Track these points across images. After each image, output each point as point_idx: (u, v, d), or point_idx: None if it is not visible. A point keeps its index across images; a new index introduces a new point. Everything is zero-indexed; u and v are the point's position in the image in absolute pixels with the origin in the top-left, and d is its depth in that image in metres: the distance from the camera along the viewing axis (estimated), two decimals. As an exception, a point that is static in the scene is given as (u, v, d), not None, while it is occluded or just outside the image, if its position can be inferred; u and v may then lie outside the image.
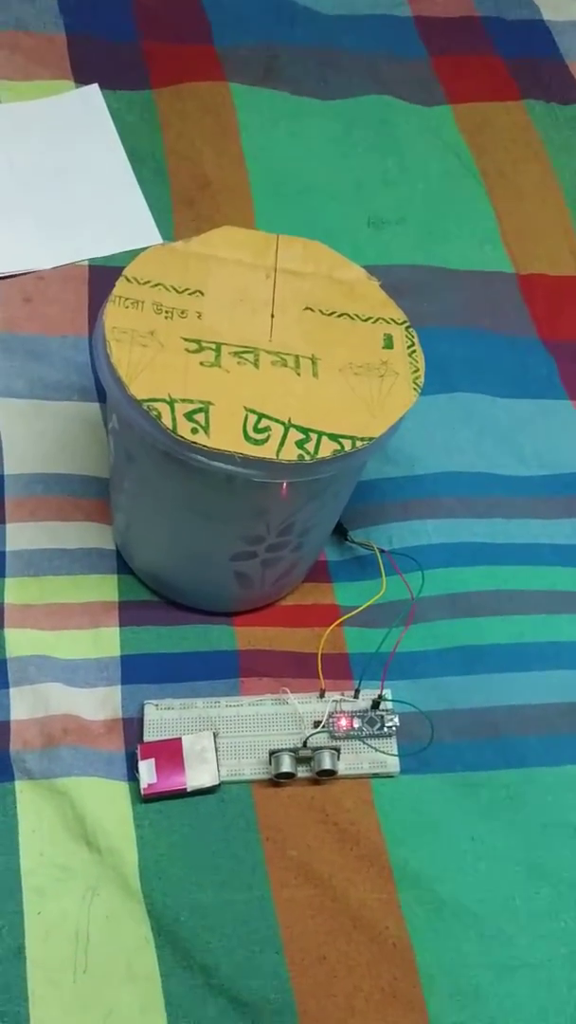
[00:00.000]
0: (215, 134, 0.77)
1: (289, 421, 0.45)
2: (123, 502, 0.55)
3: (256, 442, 0.44)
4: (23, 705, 0.53)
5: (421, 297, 0.71)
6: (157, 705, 0.54)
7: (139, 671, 0.55)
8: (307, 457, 0.44)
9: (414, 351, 0.49)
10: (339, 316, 0.50)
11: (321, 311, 0.50)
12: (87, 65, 0.80)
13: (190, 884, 0.50)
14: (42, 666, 0.55)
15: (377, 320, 0.50)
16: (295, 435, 0.44)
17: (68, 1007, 0.47)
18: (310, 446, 0.44)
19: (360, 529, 0.61)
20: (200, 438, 0.43)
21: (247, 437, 0.44)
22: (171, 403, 0.44)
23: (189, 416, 0.44)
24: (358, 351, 0.48)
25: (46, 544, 0.59)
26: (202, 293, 0.49)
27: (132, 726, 0.54)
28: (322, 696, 0.55)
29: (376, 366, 0.48)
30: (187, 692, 0.55)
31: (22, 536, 0.59)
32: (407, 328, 0.50)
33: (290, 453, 0.44)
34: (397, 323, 0.50)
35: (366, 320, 0.50)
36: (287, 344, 0.48)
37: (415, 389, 0.48)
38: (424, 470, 0.64)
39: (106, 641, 0.56)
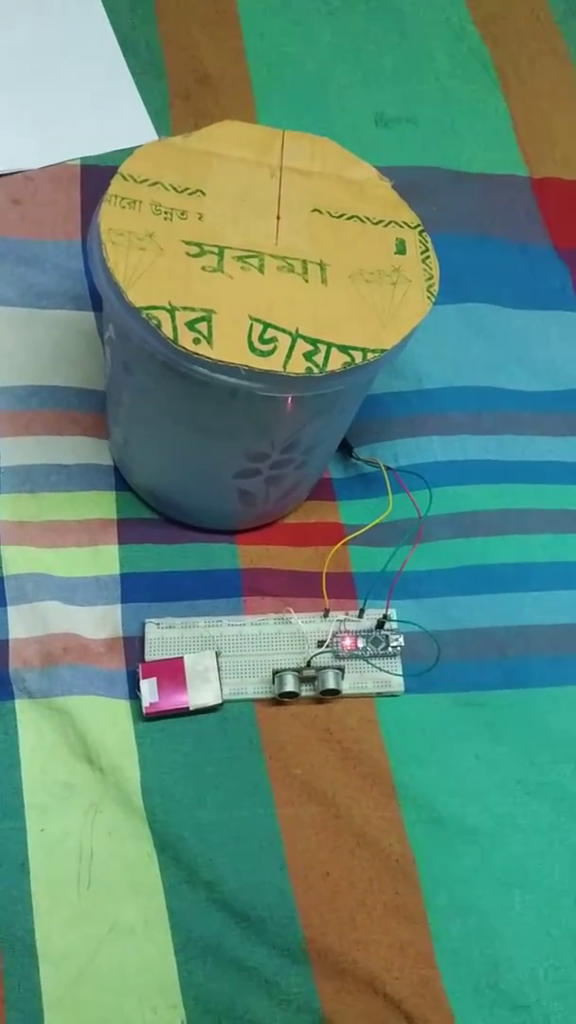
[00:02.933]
0: (213, 22, 0.73)
1: (297, 331, 0.42)
2: (121, 416, 0.53)
3: (262, 353, 0.41)
4: (21, 623, 0.52)
5: (430, 200, 0.68)
6: (158, 624, 0.53)
7: (139, 589, 0.54)
8: (316, 370, 0.42)
9: (428, 257, 0.47)
10: (349, 219, 0.47)
11: (330, 213, 0.47)
12: (75, -56, 0.74)
13: (192, 802, 0.49)
14: (40, 583, 0.53)
15: (389, 223, 0.47)
16: (303, 346, 0.42)
17: (72, 921, 0.47)
18: (319, 358, 0.42)
19: (365, 446, 0.59)
20: (203, 349, 0.41)
21: (252, 348, 0.41)
22: (171, 311, 0.41)
23: (191, 325, 0.41)
24: (369, 256, 0.46)
25: (42, 459, 0.57)
26: (203, 193, 0.46)
27: (133, 645, 0.53)
28: (326, 616, 0.54)
29: (388, 273, 0.46)
30: (188, 611, 0.54)
31: (17, 451, 0.57)
32: (420, 232, 0.48)
33: (298, 366, 0.41)
34: (410, 227, 0.48)
35: (377, 223, 0.47)
36: (294, 248, 0.45)
37: (429, 298, 0.45)
38: (432, 384, 0.62)
39: (105, 559, 0.55)
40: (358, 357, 0.42)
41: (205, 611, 0.54)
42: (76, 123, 0.68)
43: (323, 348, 0.42)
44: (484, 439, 0.60)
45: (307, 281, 0.44)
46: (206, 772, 0.50)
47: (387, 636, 0.53)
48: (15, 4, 0.72)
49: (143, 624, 0.53)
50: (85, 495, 0.56)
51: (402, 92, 0.73)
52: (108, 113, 0.68)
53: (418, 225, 0.48)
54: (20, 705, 0.51)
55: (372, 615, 0.54)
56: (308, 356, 0.42)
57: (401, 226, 0.48)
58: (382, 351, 0.43)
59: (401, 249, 0.47)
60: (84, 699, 0.51)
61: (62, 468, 0.57)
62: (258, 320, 0.42)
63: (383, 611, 0.54)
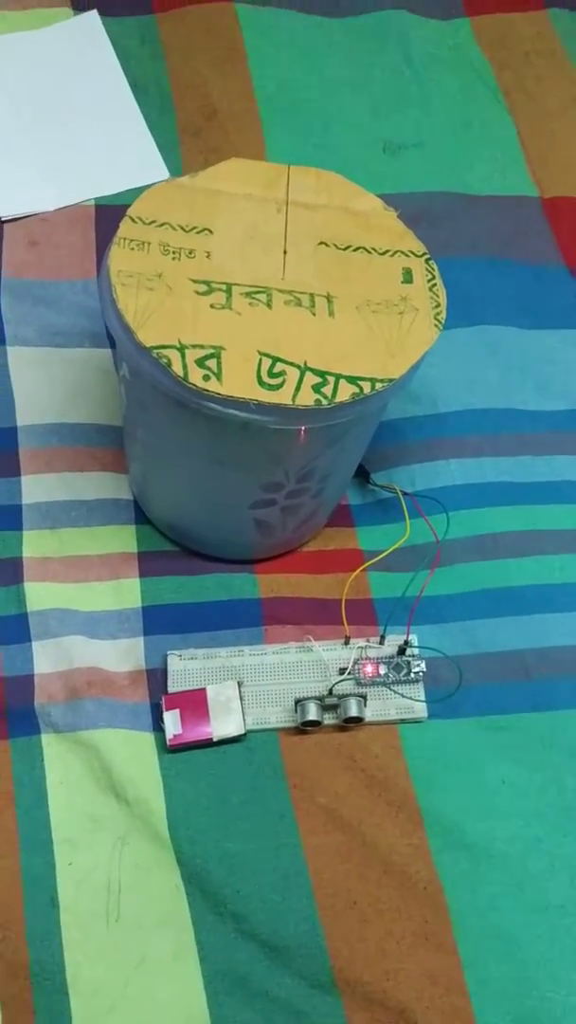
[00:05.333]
0: (221, 59, 0.74)
1: (305, 364, 0.43)
2: (138, 451, 0.53)
3: (271, 387, 0.42)
4: (46, 659, 0.53)
5: (441, 225, 0.69)
6: (180, 655, 0.53)
7: (161, 622, 0.55)
8: (325, 402, 0.42)
9: (435, 285, 0.47)
10: (355, 250, 0.48)
11: (336, 245, 0.48)
12: (85, -10, 0.76)
13: (218, 832, 0.50)
14: (63, 619, 0.54)
15: (395, 253, 0.48)
16: (312, 379, 0.43)
17: (102, 954, 0.47)
18: (327, 390, 0.42)
19: (382, 471, 0.60)
20: (212, 385, 0.41)
21: (261, 382, 0.42)
22: (181, 349, 0.42)
23: (200, 363, 0.42)
24: (376, 287, 0.46)
25: (63, 496, 0.58)
26: (210, 231, 0.47)
27: (156, 677, 0.53)
28: (347, 643, 0.54)
29: (395, 302, 0.46)
30: (210, 642, 0.54)
31: (39, 488, 0.58)
32: (427, 261, 0.48)
33: (307, 398, 0.42)
34: (416, 255, 0.48)
35: (384, 253, 0.48)
36: (301, 282, 0.46)
37: (436, 326, 0.46)
38: (447, 408, 0.62)
39: (127, 592, 0.55)
40: (366, 387, 0.43)
41: (227, 641, 0.54)
42: (89, 164, 0.69)
43: (332, 380, 0.43)
44: (501, 460, 0.60)
45: (314, 314, 0.45)
46: (231, 803, 0.50)
47: (409, 662, 0.53)
48: (28, 48, 0.73)
49: (165, 656, 0.53)
50: (106, 530, 0.57)
51: (409, 119, 0.74)
52: (120, 153, 0.70)
53: (424, 254, 0.48)
54: (46, 739, 0.51)
55: (393, 641, 0.54)
56: (317, 388, 0.42)
57: (407, 255, 0.48)
58: (390, 380, 0.43)
59: (408, 278, 0.47)
60: (109, 732, 0.51)
61: (83, 504, 0.58)
62: (267, 355, 0.43)
63: (404, 637, 0.54)
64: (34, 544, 0.56)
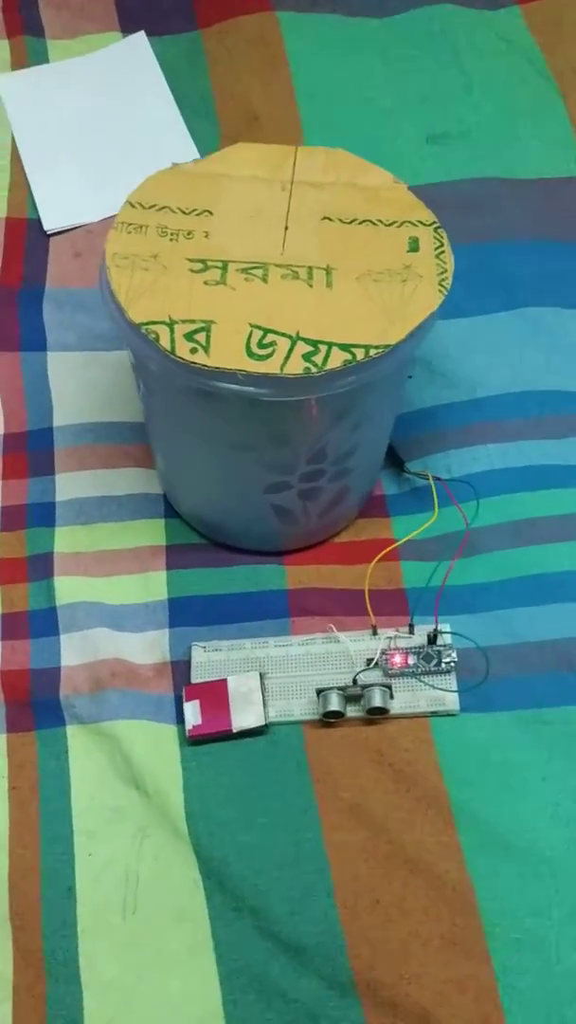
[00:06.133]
0: (263, 67, 0.75)
1: (297, 334, 0.42)
2: (157, 442, 0.54)
3: (259, 358, 0.41)
4: (72, 651, 0.53)
5: (485, 211, 0.67)
6: (204, 647, 0.53)
7: (187, 614, 0.54)
8: (314, 369, 0.41)
9: (442, 252, 0.46)
10: (360, 223, 0.47)
11: (340, 220, 0.47)
12: (134, 14, 0.78)
13: (237, 826, 0.48)
14: (91, 611, 0.54)
15: (403, 224, 0.47)
16: (303, 348, 0.42)
17: (118, 946, 0.46)
18: (318, 358, 0.41)
19: (418, 459, 0.58)
20: (199, 357, 0.41)
21: (250, 353, 0.41)
22: (171, 325, 0.42)
23: (189, 336, 0.42)
24: (379, 257, 0.45)
25: (95, 492, 0.58)
26: (211, 212, 0.47)
27: (181, 669, 0.53)
28: (375, 633, 0.52)
29: (398, 271, 0.45)
30: (236, 634, 0.53)
31: (72, 485, 0.59)
32: (436, 229, 0.46)
33: (296, 366, 0.41)
34: (425, 224, 0.47)
35: (390, 224, 0.47)
36: (300, 256, 0.45)
37: (441, 291, 0.44)
38: (486, 392, 0.59)
39: (154, 585, 0.55)
40: (360, 354, 0.41)
41: (253, 633, 0.53)
42: (133, 175, 0.70)
43: (324, 348, 0.42)
44: (544, 443, 0.57)
45: (311, 286, 0.44)
46: (252, 796, 0.49)
47: (439, 651, 0.51)
48: (79, 72, 0.76)
49: (190, 647, 0.53)
50: (136, 524, 0.57)
51: (454, 110, 0.72)
52: (163, 163, 0.71)
53: (434, 223, 0.47)
54: (71, 731, 0.51)
55: (423, 631, 0.52)
56: (307, 357, 0.41)
57: (416, 225, 0.47)
58: (386, 347, 0.42)
59: (414, 247, 0.46)
60: (131, 723, 0.51)
61: (114, 499, 0.58)
62: (257, 327, 0.42)
63: (433, 626, 0.51)
64: (66, 539, 0.57)
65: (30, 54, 0.78)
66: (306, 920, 0.46)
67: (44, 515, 0.58)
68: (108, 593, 0.55)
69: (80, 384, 0.62)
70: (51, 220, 0.69)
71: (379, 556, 0.53)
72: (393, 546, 0.54)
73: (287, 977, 0.44)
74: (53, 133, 0.73)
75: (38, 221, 0.69)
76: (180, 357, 0.41)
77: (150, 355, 0.42)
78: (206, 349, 0.41)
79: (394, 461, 0.58)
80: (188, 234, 0.46)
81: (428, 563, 0.54)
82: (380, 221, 0.47)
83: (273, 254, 0.45)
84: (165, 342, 0.41)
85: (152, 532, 0.57)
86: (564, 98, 0.72)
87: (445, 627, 0.52)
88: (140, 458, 0.59)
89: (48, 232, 0.68)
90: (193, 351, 0.41)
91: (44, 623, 0.54)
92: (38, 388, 0.62)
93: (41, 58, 0.77)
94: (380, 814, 0.48)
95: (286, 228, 0.46)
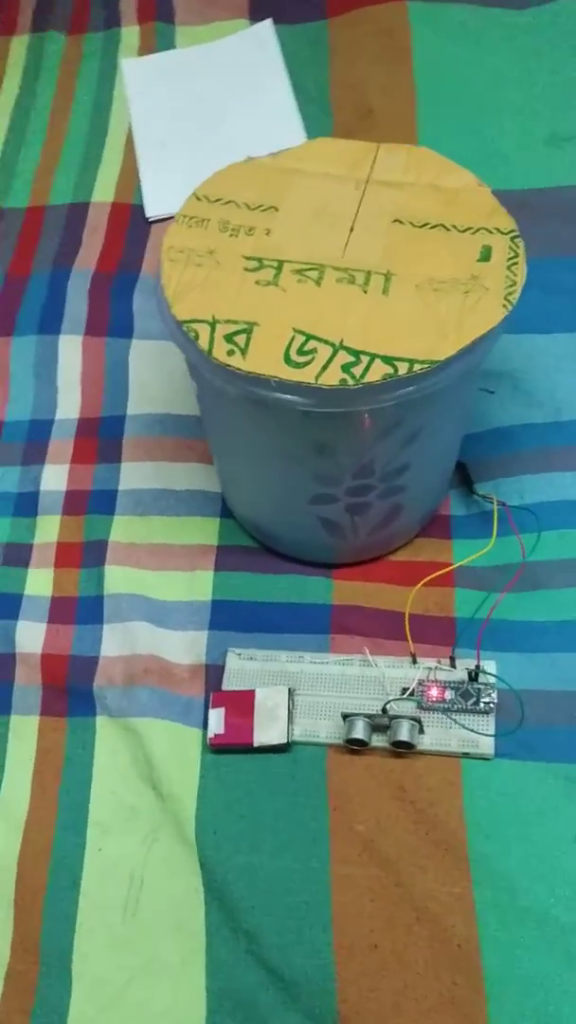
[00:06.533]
0: (385, 59, 0.72)
1: (340, 343, 0.40)
2: (211, 441, 0.52)
3: (297, 365, 0.39)
4: (113, 642, 0.53)
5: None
6: (240, 654, 0.51)
7: (229, 617, 0.53)
8: (351, 381, 0.38)
9: (515, 263, 0.42)
10: (432, 228, 0.44)
11: (412, 223, 0.44)
12: (264, 1, 0.77)
13: (245, 844, 0.47)
14: (136, 604, 0.54)
15: (478, 231, 0.43)
16: (344, 358, 0.39)
17: (113, 946, 0.46)
18: (357, 369, 0.39)
19: (489, 481, 0.54)
20: (235, 360, 0.39)
21: (288, 360, 0.39)
22: (212, 324, 0.41)
23: (229, 338, 0.40)
24: (445, 265, 0.42)
25: (156, 484, 0.58)
26: (276, 209, 0.45)
27: (215, 673, 0.51)
28: (414, 662, 0.49)
29: (463, 281, 0.41)
30: (275, 643, 0.52)
31: (136, 475, 0.58)
32: (513, 238, 0.43)
33: (332, 377, 0.39)
34: (502, 232, 0.43)
35: (464, 231, 0.43)
36: (360, 260, 0.43)
37: (505, 306, 0.41)
38: (572, 416, 0.55)
39: (200, 584, 0.54)
40: (403, 368, 0.39)
41: (292, 645, 0.51)
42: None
43: (365, 359, 0.39)
44: (628, 477, 0.53)
45: (366, 292, 0.41)
46: (265, 814, 0.47)
47: (479, 690, 0.47)
48: (201, 59, 0.76)
49: (226, 652, 0.52)
50: (191, 520, 0.56)
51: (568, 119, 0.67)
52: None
53: (512, 231, 0.43)
54: (100, 722, 0.51)
55: (467, 665, 0.48)
56: (346, 368, 0.39)
57: (492, 232, 0.43)
58: (433, 362, 0.39)
59: (486, 256, 0.42)
60: (157, 723, 0.50)
61: (173, 493, 0.57)
62: (301, 332, 0.40)
63: (476, 662, 0.48)
64: (122, 529, 0.57)
65: (158, 39, 0.78)
66: (299, 953, 0.44)
67: (105, 503, 0.58)
68: (155, 587, 0.55)
69: (157, 374, 0.62)
70: (154, 207, 0.69)
71: (423, 581, 0.50)
72: (440, 572, 0.51)
73: (273, 1009, 0.43)
74: (168, 120, 0.73)
75: (142, 208, 0.69)
76: (216, 359, 0.40)
77: (191, 354, 0.41)
78: (243, 352, 0.40)
79: (465, 480, 0.54)
80: (249, 230, 0.44)
81: (485, 593, 0.51)
82: (454, 226, 0.44)
83: (333, 256, 0.43)
84: (204, 342, 0.40)
85: (206, 531, 0.56)
86: None
87: (490, 664, 0.48)
88: (203, 454, 0.58)
89: (149, 219, 0.69)
90: (230, 353, 0.40)
91: (90, 610, 0.55)
92: (118, 375, 0.63)
93: (168, 43, 0.77)
94: (393, 853, 0.45)
95: (351, 229, 0.44)
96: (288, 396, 0.39)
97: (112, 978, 0.45)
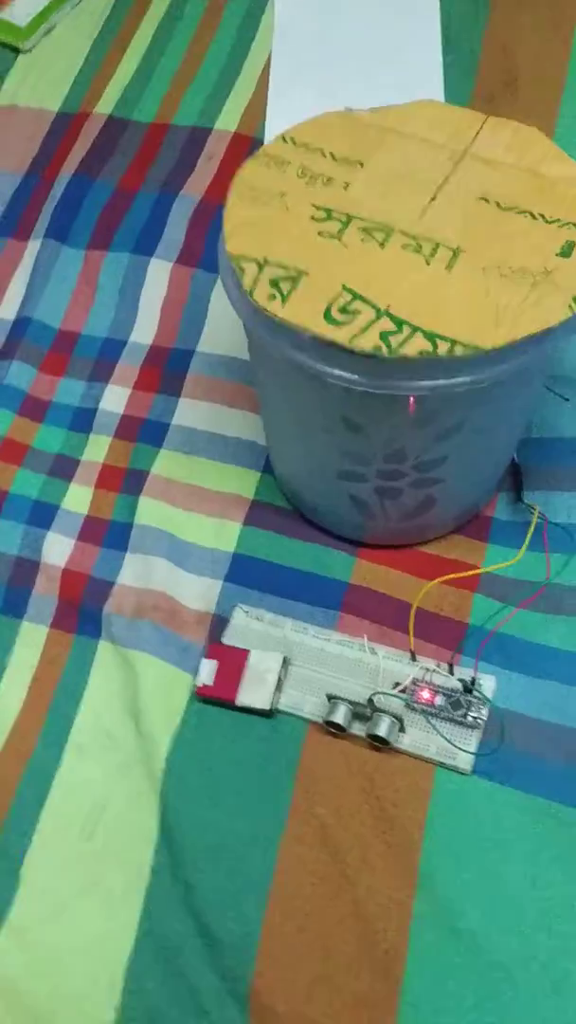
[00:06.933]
0: (547, 22, 0.67)
1: (387, 309, 0.37)
2: (257, 392, 0.51)
3: (335, 322, 0.37)
4: (131, 571, 0.53)
5: None
6: (247, 612, 0.50)
7: (246, 573, 0.52)
8: (385, 350, 0.36)
9: (596, 265, 0.39)
10: (519, 212, 0.41)
11: (498, 204, 0.41)
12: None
13: (207, 797, 0.46)
14: (160, 539, 0.54)
15: (566, 224, 0.40)
16: (385, 324, 0.37)
17: (64, 863, 0.46)
18: (396, 339, 0.37)
19: (541, 492, 0.51)
20: (274, 307, 0.38)
21: (328, 316, 0.37)
22: (261, 265, 0.39)
23: (274, 282, 0.39)
24: (520, 252, 0.39)
25: (208, 426, 0.57)
26: (361, 165, 0.43)
27: (220, 624, 0.51)
28: (413, 659, 0.47)
29: (534, 273, 0.38)
30: (284, 609, 0.51)
31: (191, 412, 0.58)
32: (603, 239, 0.40)
33: (367, 342, 0.37)
34: (593, 231, 0.40)
35: (552, 222, 0.40)
36: (433, 229, 0.40)
37: (570, 308, 0.38)
38: None
39: (226, 534, 0.54)
40: (443, 348, 0.36)
41: (300, 614, 0.50)
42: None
43: (407, 330, 0.37)
44: None
45: (428, 264, 0.39)
46: (233, 774, 0.47)
47: (470, 704, 0.45)
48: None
49: (235, 606, 0.51)
50: (233, 469, 0.56)
51: None
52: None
53: (604, 230, 0.40)
54: (102, 646, 0.52)
55: (464, 674, 0.46)
56: (385, 335, 0.37)
57: (579, 228, 0.40)
58: (476, 349, 0.36)
59: (567, 251, 0.39)
60: (153, 660, 0.50)
61: (222, 438, 0.56)
62: (349, 290, 0.38)
63: (473, 673, 0.46)
64: (166, 463, 0.56)
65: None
66: (230, 917, 0.43)
67: (155, 434, 0.58)
68: (183, 527, 0.54)
69: (233, 315, 0.60)
70: (272, 129, 0.67)
71: (438, 580, 0.48)
72: (460, 575, 0.48)
73: (192, 962, 0.43)
74: (308, 56, 0.71)
75: (262, 142, 0.67)
76: (256, 300, 0.38)
77: (232, 292, 0.40)
78: (284, 299, 0.38)
79: (516, 484, 0.52)
80: (327, 180, 0.42)
81: (504, 604, 0.48)
82: (541, 215, 0.40)
83: (406, 221, 0.40)
84: (248, 280, 0.39)
85: (245, 482, 0.55)
86: None
87: (488, 679, 0.46)
88: (257, 404, 0.57)
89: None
90: (271, 298, 0.38)
91: (118, 536, 0.55)
92: (197, 309, 0.62)
93: (328, -21, 0.75)
94: (346, 844, 0.44)
95: (433, 198, 0.41)
96: (320, 366, 0.38)
97: (56, 891, 0.46)
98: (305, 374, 0.39)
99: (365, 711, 0.46)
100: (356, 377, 0.38)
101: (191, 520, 0.54)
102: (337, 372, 0.38)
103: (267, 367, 0.44)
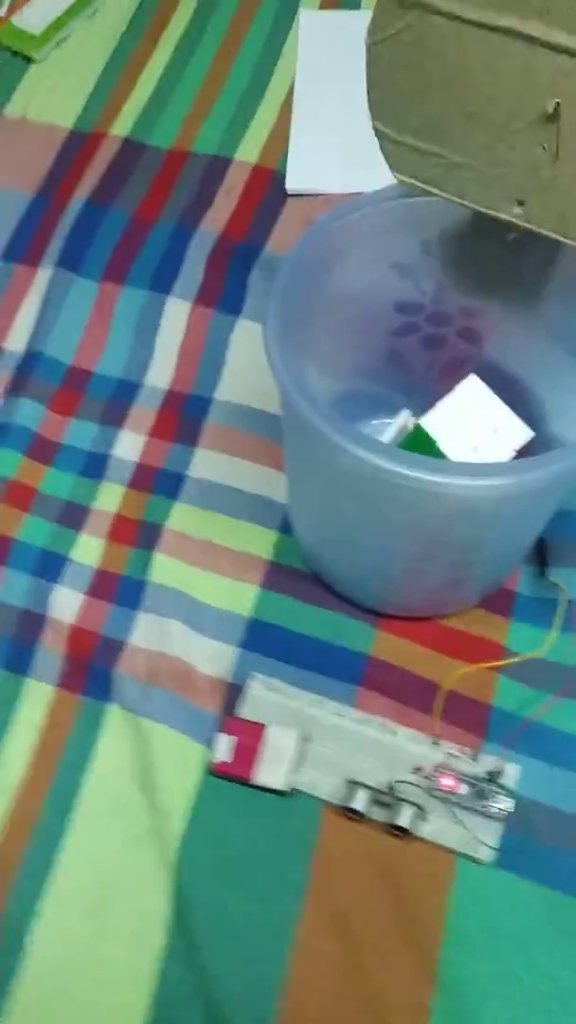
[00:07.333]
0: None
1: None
2: (286, 458, 0.50)
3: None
4: (144, 632, 0.52)
5: None
6: (263, 682, 0.49)
7: (263, 640, 0.51)
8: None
9: None
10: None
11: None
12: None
13: (221, 880, 0.46)
14: (178, 600, 0.52)
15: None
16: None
17: (68, 937, 0.45)
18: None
19: (567, 568, 0.50)
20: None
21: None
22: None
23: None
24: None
25: (225, 479, 0.56)
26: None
27: (234, 693, 0.50)
28: (436, 743, 0.47)
29: None
30: (301, 680, 0.50)
31: (208, 464, 0.56)
32: None
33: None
34: None
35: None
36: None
37: None
38: None
39: (242, 597, 0.52)
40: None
41: (318, 686, 0.49)
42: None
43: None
44: None
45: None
46: (249, 856, 0.46)
47: (495, 793, 0.45)
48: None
49: (249, 676, 0.50)
50: (250, 527, 0.54)
51: None
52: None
53: None
54: (112, 710, 0.50)
55: (489, 763, 0.46)
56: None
57: None
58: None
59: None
60: (166, 730, 0.49)
61: (240, 493, 0.55)
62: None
63: (501, 763, 0.45)
64: (181, 517, 0.55)
65: (344, -4, 0.73)
66: (243, 1009, 0.43)
67: (171, 485, 0.56)
68: (198, 587, 0.53)
69: (255, 362, 0.59)
70: (295, 179, 0.65)
71: (467, 669, 0.47)
72: (488, 664, 0.47)
73: (205, 1055, 0.42)
74: (333, 86, 0.69)
75: (283, 176, 0.65)
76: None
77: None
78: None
79: (540, 559, 0.51)
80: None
81: (527, 688, 0.48)
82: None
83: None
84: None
85: (262, 542, 0.54)
86: None
87: (513, 769, 0.45)
88: (278, 460, 0.56)
89: (288, 192, 0.65)
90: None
91: (130, 593, 0.53)
92: (216, 352, 0.60)
93: (354, 3, 0.72)
94: (364, 936, 0.44)
95: None
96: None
97: (62, 970, 0.45)
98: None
99: (385, 798, 0.45)
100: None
101: (207, 580, 0.53)
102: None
103: (303, 436, 0.43)
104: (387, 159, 0.43)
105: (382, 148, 0.42)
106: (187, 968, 0.44)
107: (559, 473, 0.35)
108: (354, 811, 0.45)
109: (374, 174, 0.62)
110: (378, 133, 0.42)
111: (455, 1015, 0.42)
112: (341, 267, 0.44)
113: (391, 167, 0.43)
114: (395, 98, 0.40)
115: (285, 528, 0.54)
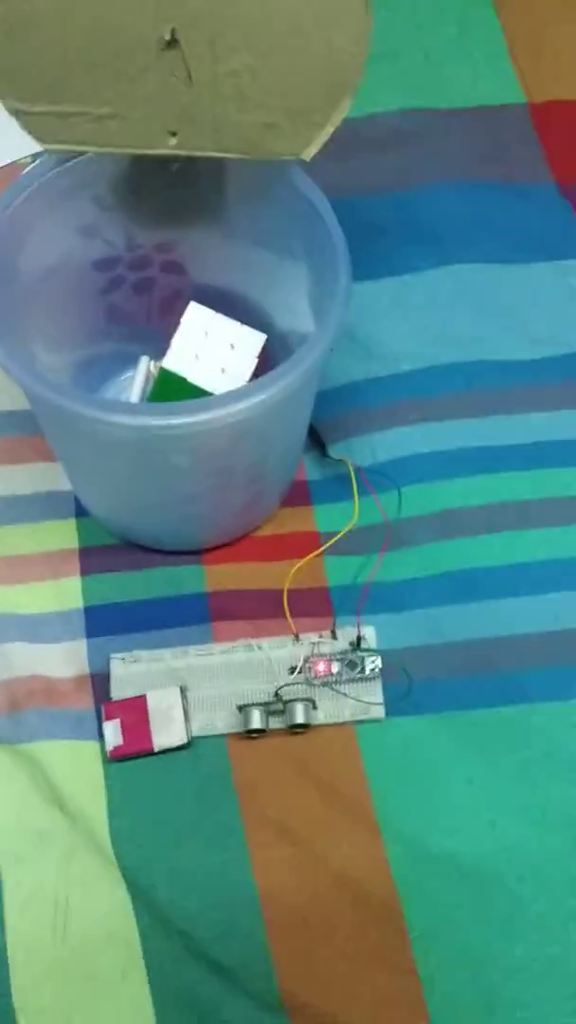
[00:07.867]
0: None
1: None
2: (55, 449, 0.50)
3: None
4: (-11, 667, 0.51)
5: (411, 148, 0.61)
6: (124, 659, 0.51)
7: (105, 622, 0.52)
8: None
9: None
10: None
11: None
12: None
13: (164, 847, 0.47)
14: (5, 624, 0.52)
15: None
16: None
17: (49, 973, 0.46)
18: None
19: (342, 442, 0.54)
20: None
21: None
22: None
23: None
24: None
25: (2, 492, 0.55)
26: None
27: (101, 681, 0.50)
28: (297, 639, 0.50)
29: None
30: (156, 642, 0.51)
31: (-27, 484, 0.55)
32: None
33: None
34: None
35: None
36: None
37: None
38: (412, 365, 0.56)
39: (68, 592, 0.53)
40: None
41: (173, 640, 0.51)
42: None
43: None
44: (471, 423, 0.54)
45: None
46: (178, 815, 0.48)
47: (363, 658, 0.49)
48: None
49: (109, 659, 0.51)
50: (46, 525, 0.54)
51: (377, 25, 0.65)
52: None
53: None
54: (-9, 750, 0.50)
55: (347, 635, 0.50)
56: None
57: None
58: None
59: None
60: (51, 744, 0.49)
61: (19, 499, 0.55)
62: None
63: (356, 631, 0.49)
64: (-28, 545, 0.54)
65: None
66: (233, 941, 0.45)
67: (-54, 518, 0.55)
68: (20, 603, 0.52)
69: None
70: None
71: (298, 565, 0.50)
72: (314, 554, 0.51)
73: (218, 998, 0.44)
74: None
75: None
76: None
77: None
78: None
79: (317, 443, 0.54)
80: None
81: (352, 557, 0.52)
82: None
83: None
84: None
85: (63, 534, 0.54)
86: (498, 12, 0.65)
87: (369, 630, 0.50)
88: (45, 451, 0.55)
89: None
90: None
91: (-48, 635, 0.52)
92: None
93: None
94: (306, 830, 0.47)
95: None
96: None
97: (56, 1005, 0.45)
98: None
99: (277, 706, 0.48)
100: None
101: (25, 592, 0.53)
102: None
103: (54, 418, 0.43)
104: (30, 132, 0.42)
105: (21, 124, 0.42)
106: (168, 937, 0.46)
107: (306, 371, 0.37)
108: (254, 730, 0.48)
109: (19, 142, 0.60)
110: (11, 111, 0.41)
111: (409, 853, 0.46)
112: (30, 246, 0.44)
113: (37, 139, 0.43)
114: (15, 71, 0.40)
115: (81, 512, 0.54)
